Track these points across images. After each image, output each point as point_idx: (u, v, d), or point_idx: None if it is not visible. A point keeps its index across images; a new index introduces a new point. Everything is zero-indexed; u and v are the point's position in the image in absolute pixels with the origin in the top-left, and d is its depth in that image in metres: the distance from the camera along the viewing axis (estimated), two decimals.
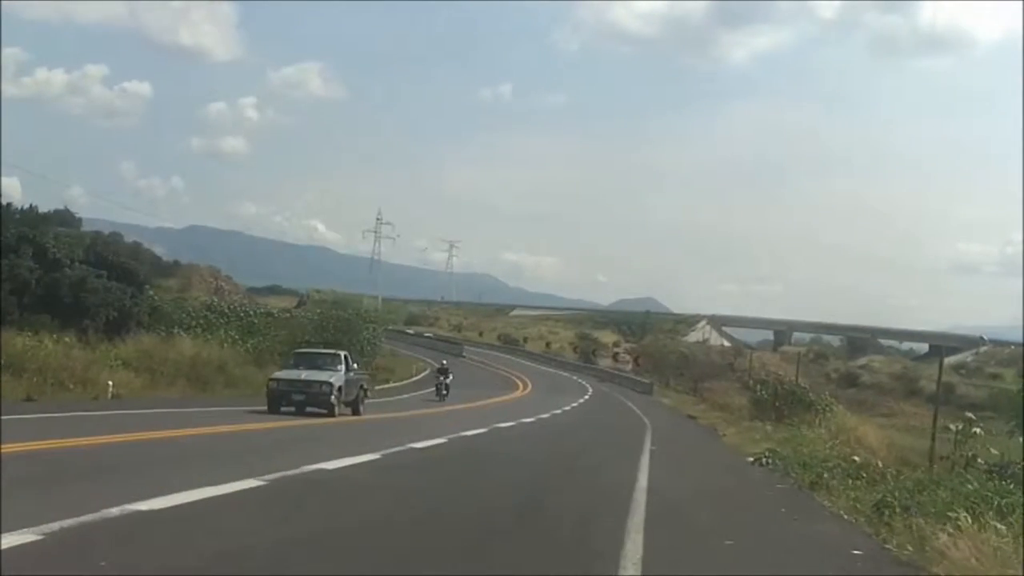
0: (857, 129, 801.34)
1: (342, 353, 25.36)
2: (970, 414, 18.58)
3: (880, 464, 17.10)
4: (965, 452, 17.23)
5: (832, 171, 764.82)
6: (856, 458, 16.20)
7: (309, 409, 22.61)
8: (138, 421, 16.56)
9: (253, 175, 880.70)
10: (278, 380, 23.10)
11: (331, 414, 22.42)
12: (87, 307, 37.56)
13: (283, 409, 22.04)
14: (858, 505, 11.26)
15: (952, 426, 17.72)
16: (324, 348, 29.40)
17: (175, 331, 39.02)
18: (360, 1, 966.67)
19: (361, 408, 25.04)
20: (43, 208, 73.25)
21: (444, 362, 42.03)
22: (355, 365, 25.13)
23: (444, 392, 38.27)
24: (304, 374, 23.26)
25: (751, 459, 18.96)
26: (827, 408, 45.52)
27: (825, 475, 14.54)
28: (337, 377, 23.36)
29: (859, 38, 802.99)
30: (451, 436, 17.74)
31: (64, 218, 74.97)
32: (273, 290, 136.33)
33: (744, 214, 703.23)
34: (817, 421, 37.72)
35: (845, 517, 10.81)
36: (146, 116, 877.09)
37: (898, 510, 10.04)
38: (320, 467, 10.56)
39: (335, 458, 11.52)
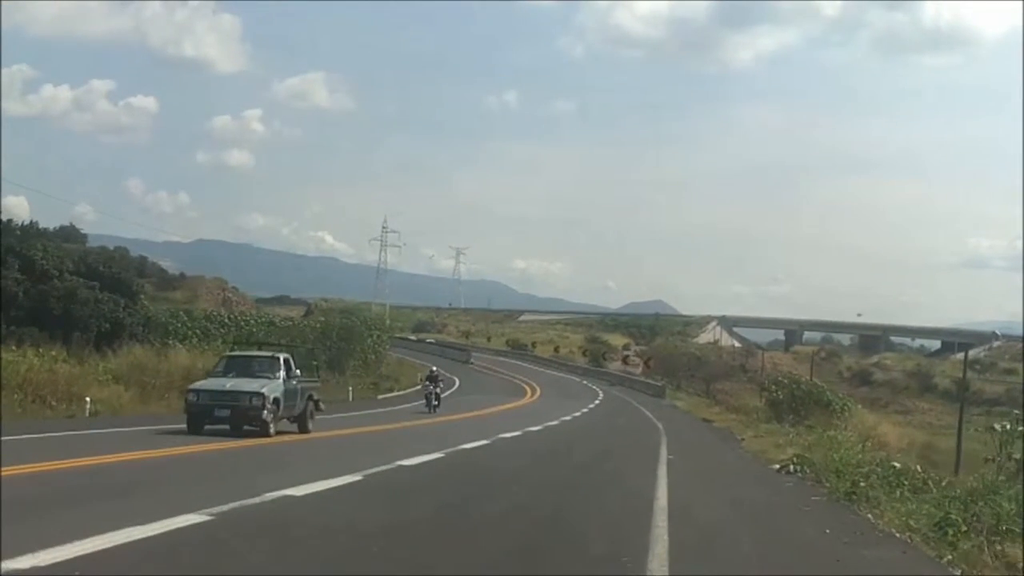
0: (863, 128, 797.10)
1: (281, 356, 20.83)
2: (1018, 411, 17.02)
3: (920, 469, 15.66)
4: (1012, 453, 15.79)
5: (839, 170, 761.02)
6: (896, 464, 14.67)
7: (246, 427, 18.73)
8: (94, 443, 14.72)
9: (260, 187, 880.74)
10: (198, 391, 18.84)
11: (264, 433, 18.27)
12: (77, 319, 36.46)
13: (207, 428, 18.30)
14: (911, 522, 9.76)
15: (998, 425, 16.20)
16: (260, 350, 24.64)
17: (170, 342, 37.83)
18: (363, 11, 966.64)
19: (310, 424, 20.87)
20: (51, 226, 73.10)
21: (434, 368, 37.39)
22: (298, 371, 20.53)
23: (435, 402, 33.96)
24: (230, 383, 18.97)
25: (777, 467, 17.50)
26: (844, 407, 44.25)
27: (862, 484, 13.07)
28: (272, 386, 18.97)
29: (864, 37, 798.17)
30: (448, 450, 16.22)
31: (69, 235, 74.31)
32: (281, 301, 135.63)
33: (752, 215, 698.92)
34: (836, 421, 36.36)
35: (898, 536, 9.33)
36: (152, 131, 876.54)
37: (965, 528, 8.54)
38: (286, 494, 9.02)
39: (308, 481, 9.99)
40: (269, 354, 21.56)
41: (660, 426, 33.39)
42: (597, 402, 49.79)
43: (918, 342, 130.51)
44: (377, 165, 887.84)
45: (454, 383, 58.62)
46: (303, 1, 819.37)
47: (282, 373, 19.65)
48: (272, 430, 18.57)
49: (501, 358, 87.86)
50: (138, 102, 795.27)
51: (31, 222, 69.23)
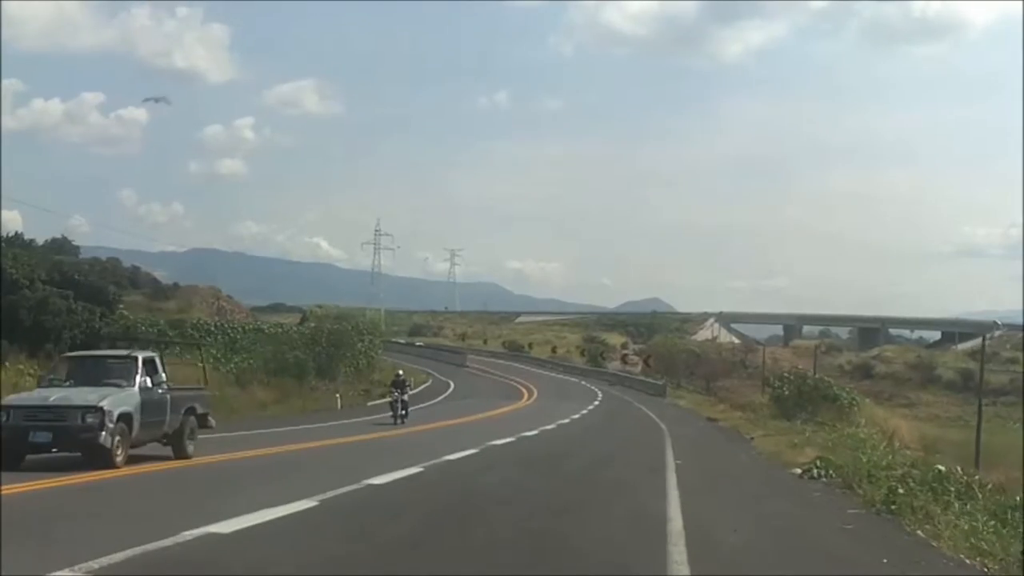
0: (855, 119, 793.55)
1: (139, 355, 15.22)
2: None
3: (960, 470, 14.02)
4: None
5: (833, 162, 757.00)
6: (940, 467, 12.99)
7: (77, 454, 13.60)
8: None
9: (253, 195, 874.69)
10: (10, 409, 13.52)
11: (106, 463, 13.06)
12: (49, 330, 34.93)
13: (29, 458, 13.31)
14: (983, 544, 8.06)
15: None
16: (115, 349, 18.28)
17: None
18: (351, 16, 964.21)
19: (190, 447, 15.57)
20: (43, 238, 71.88)
21: (400, 373, 33.10)
22: (164, 376, 15.42)
23: (402, 412, 29.73)
24: (57, 395, 13.88)
25: (799, 471, 15.81)
26: (853, 402, 42.75)
27: (900, 491, 11.40)
28: (120, 397, 13.85)
29: (853, 26, 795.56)
30: (430, 463, 14.44)
31: (62, 247, 72.95)
32: (276, 308, 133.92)
33: (747, 210, 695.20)
34: (848, 417, 34.85)
35: (968, 562, 7.63)
36: (143, 142, 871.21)
37: None
38: (208, 531, 7.22)
39: (242, 512, 8.19)
40: (123, 354, 15.88)
41: (663, 427, 31.72)
42: (596, 403, 48.12)
43: (917, 333, 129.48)
44: (370, 169, 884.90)
45: (448, 386, 57.12)
46: (292, 3, 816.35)
47: (140, 379, 14.49)
48: (119, 459, 13.38)
49: (498, 360, 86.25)
50: (129, 114, 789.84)
51: (16, 233, 67.82)
